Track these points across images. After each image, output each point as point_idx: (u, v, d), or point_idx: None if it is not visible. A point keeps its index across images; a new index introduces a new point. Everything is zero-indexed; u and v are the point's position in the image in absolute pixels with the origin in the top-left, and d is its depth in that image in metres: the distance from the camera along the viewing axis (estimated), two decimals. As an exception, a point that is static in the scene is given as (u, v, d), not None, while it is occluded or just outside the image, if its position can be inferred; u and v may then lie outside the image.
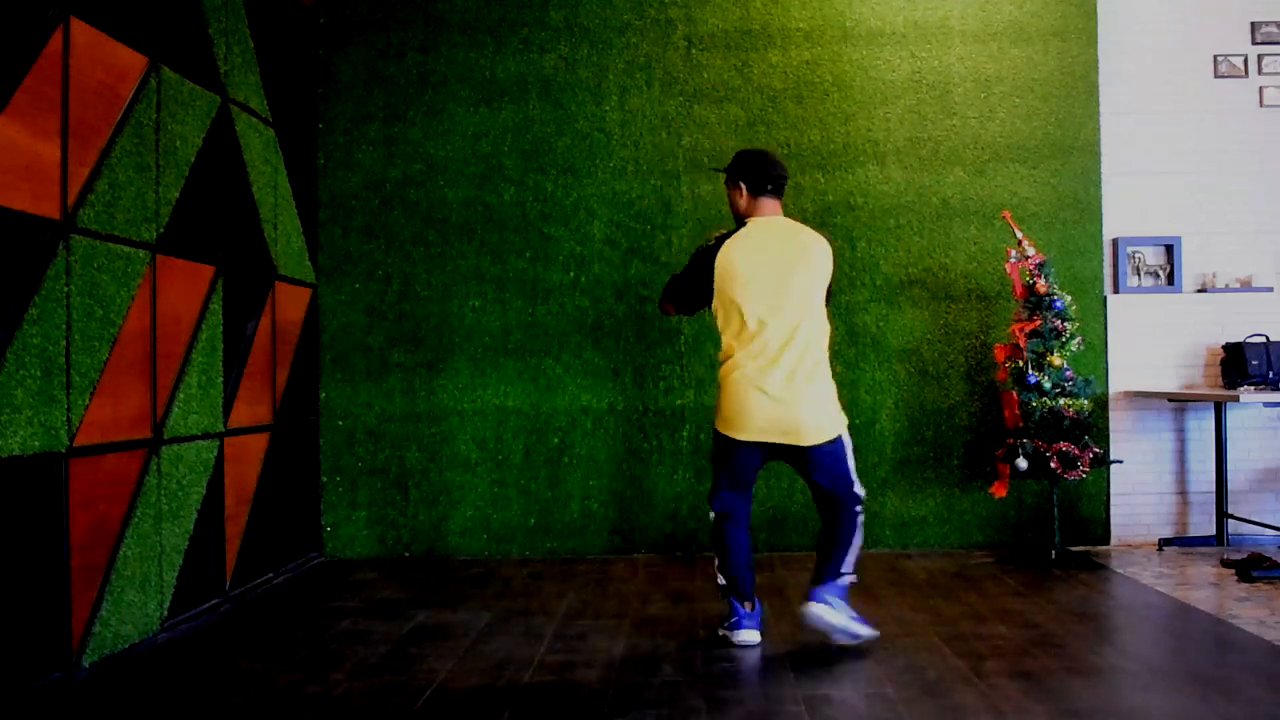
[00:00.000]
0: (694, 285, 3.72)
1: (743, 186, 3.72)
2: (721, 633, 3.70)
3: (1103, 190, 5.47)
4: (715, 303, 3.65)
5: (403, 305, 5.44)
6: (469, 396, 5.41)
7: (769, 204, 3.72)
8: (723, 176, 3.96)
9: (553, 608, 4.20)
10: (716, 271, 3.61)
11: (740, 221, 3.73)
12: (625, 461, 5.38)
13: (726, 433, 3.63)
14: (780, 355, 3.54)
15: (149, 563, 3.72)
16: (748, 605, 3.65)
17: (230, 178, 4.42)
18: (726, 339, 3.65)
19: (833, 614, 3.52)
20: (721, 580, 3.69)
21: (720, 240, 3.68)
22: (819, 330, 3.64)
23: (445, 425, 5.41)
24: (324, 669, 3.37)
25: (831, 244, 3.74)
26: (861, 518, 3.69)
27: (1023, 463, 4.81)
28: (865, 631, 3.57)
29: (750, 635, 3.63)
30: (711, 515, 3.73)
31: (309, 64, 5.39)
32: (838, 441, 3.63)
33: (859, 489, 3.69)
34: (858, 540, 3.67)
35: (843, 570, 3.63)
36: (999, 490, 4.99)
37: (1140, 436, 5.44)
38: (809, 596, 3.57)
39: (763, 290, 3.56)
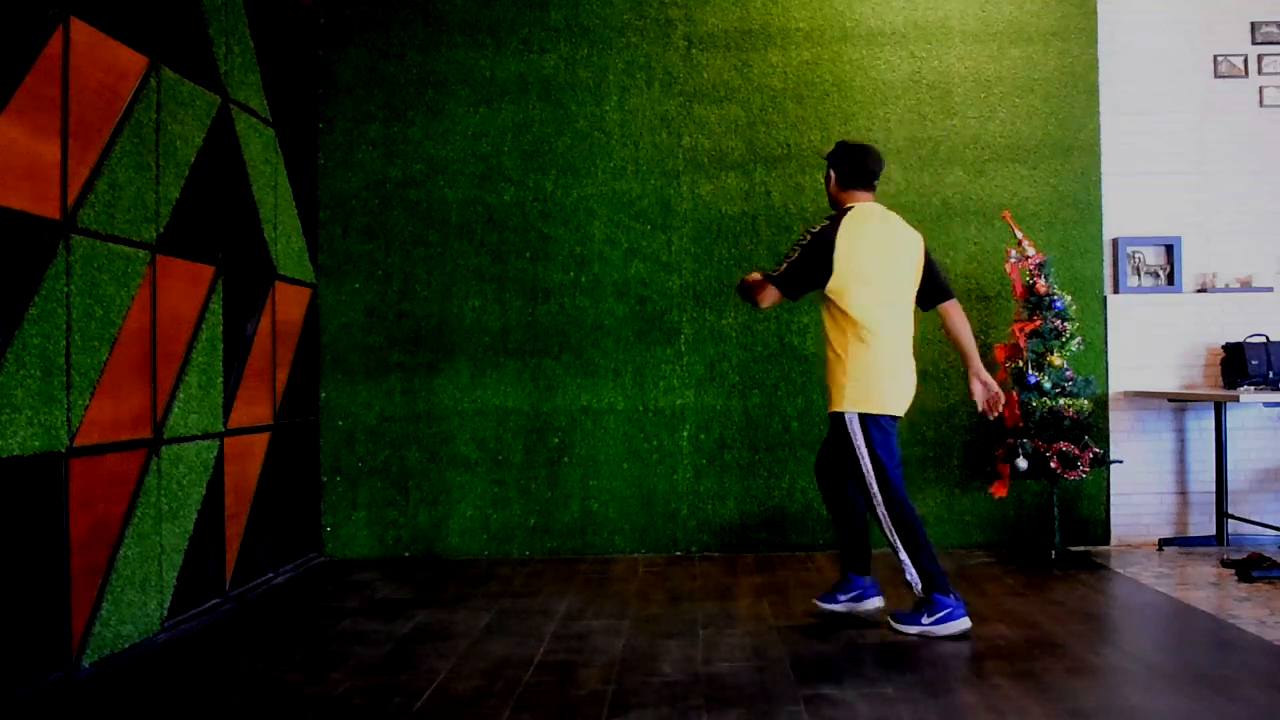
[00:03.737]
0: (808, 266, 3.73)
1: (832, 175, 3.91)
2: (925, 628, 3.62)
3: (1103, 190, 5.47)
4: (835, 283, 3.70)
5: (403, 305, 5.44)
6: (469, 396, 5.41)
7: (865, 195, 3.88)
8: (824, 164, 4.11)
9: (552, 608, 4.20)
10: (838, 251, 3.69)
11: (834, 205, 3.91)
12: (625, 461, 5.38)
13: (882, 411, 3.69)
14: (905, 331, 3.79)
15: (149, 563, 3.72)
16: (953, 595, 3.67)
17: (230, 178, 4.42)
18: (855, 317, 3.69)
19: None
20: (919, 573, 3.64)
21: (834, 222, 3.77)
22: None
23: (445, 425, 5.41)
24: (324, 669, 3.37)
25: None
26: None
27: (1023, 463, 4.81)
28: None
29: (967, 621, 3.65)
30: (895, 502, 3.66)
31: (309, 64, 5.38)
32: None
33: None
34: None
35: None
36: (999, 490, 4.99)
37: (1140, 436, 5.44)
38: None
39: (881, 271, 3.73)
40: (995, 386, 3.83)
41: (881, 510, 3.67)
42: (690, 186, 5.45)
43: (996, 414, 3.86)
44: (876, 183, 3.90)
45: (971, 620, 3.65)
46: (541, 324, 5.42)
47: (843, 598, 3.89)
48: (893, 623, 3.71)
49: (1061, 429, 4.85)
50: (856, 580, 3.89)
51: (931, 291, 3.88)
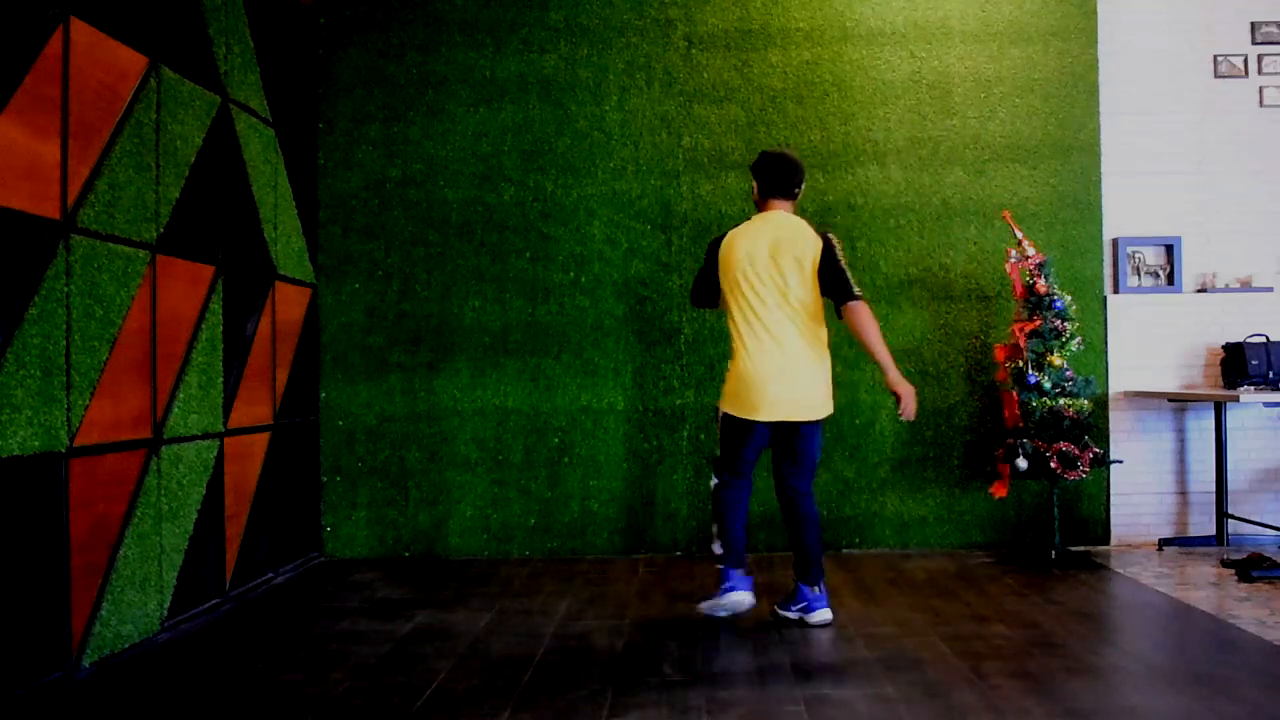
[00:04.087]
0: (703, 275, 4.06)
1: (754, 185, 4.09)
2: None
3: (1103, 190, 5.47)
4: (722, 293, 3.98)
5: (403, 305, 5.44)
6: (469, 396, 5.41)
7: (777, 203, 4.02)
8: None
9: (552, 608, 4.20)
10: (719, 260, 3.97)
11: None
12: (625, 461, 5.38)
13: (735, 413, 3.89)
14: (785, 341, 3.87)
15: (149, 563, 3.72)
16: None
17: (230, 178, 4.42)
18: (730, 327, 3.97)
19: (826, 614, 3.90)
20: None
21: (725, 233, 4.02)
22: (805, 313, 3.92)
23: (445, 425, 5.41)
24: (324, 669, 3.37)
25: (823, 232, 3.97)
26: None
27: (1023, 463, 4.81)
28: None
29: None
30: (718, 488, 3.99)
31: (309, 64, 5.39)
32: (819, 425, 3.96)
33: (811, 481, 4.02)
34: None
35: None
36: (999, 490, 4.99)
37: (1140, 436, 5.44)
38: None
39: (752, 276, 3.88)
40: (910, 394, 3.85)
41: (713, 484, 4.02)
42: (690, 186, 5.45)
43: (910, 418, 3.91)
44: (795, 189, 4.01)
45: (746, 598, 3.83)
46: (541, 324, 5.42)
47: (794, 608, 3.93)
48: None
49: (1061, 429, 4.85)
50: (803, 590, 3.90)
51: (832, 295, 3.89)
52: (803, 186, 4.06)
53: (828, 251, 3.87)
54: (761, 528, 5.35)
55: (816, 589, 3.88)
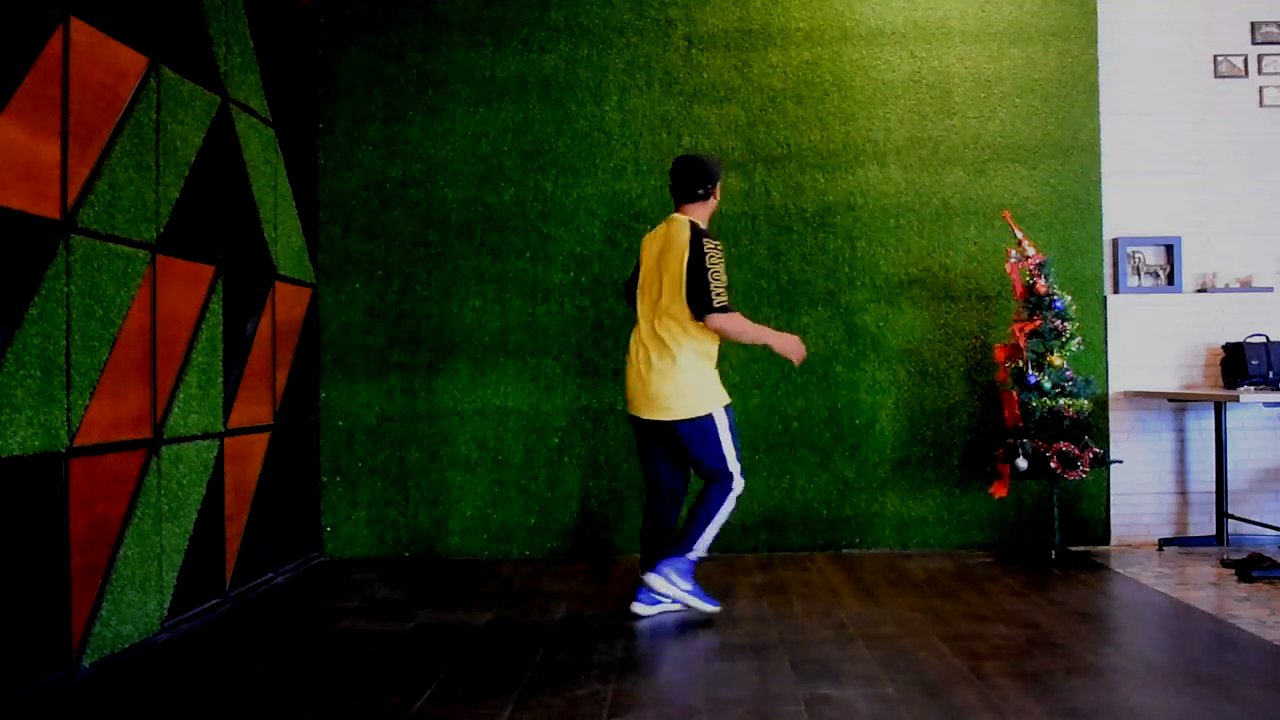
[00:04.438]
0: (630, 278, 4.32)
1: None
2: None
3: (1103, 190, 5.48)
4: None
5: (403, 305, 5.44)
6: (469, 396, 5.41)
7: (680, 207, 4.15)
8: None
9: (552, 608, 4.20)
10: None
11: None
12: (625, 461, 5.37)
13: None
14: (645, 338, 4.04)
15: (149, 563, 3.72)
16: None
17: (230, 178, 4.42)
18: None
19: (666, 584, 3.92)
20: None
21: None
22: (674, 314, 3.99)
23: (445, 425, 5.41)
24: (324, 669, 3.37)
25: (699, 239, 3.98)
26: (727, 497, 4.01)
27: (1023, 463, 4.81)
28: (706, 606, 3.96)
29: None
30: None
31: (309, 64, 5.39)
32: (699, 421, 3.96)
33: (730, 467, 4.00)
34: (714, 518, 3.99)
35: (692, 545, 3.98)
36: (999, 490, 4.99)
37: (1140, 436, 5.44)
38: (652, 568, 3.96)
39: (644, 279, 4.11)
40: (790, 346, 4.06)
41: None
42: (690, 186, 5.44)
43: (801, 361, 4.15)
44: (693, 193, 4.09)
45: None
46: (541, 324, 5.42)
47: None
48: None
49: (1061, 429, 4.85)
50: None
51: (690, 304, 3.92)
52: (708, 189, 4.10)
53: (693, 259, 3.90)
54: (762, 528, 5.35)
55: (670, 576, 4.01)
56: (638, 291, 4.14)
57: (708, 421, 3.96)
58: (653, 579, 3.91)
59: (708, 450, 3.97)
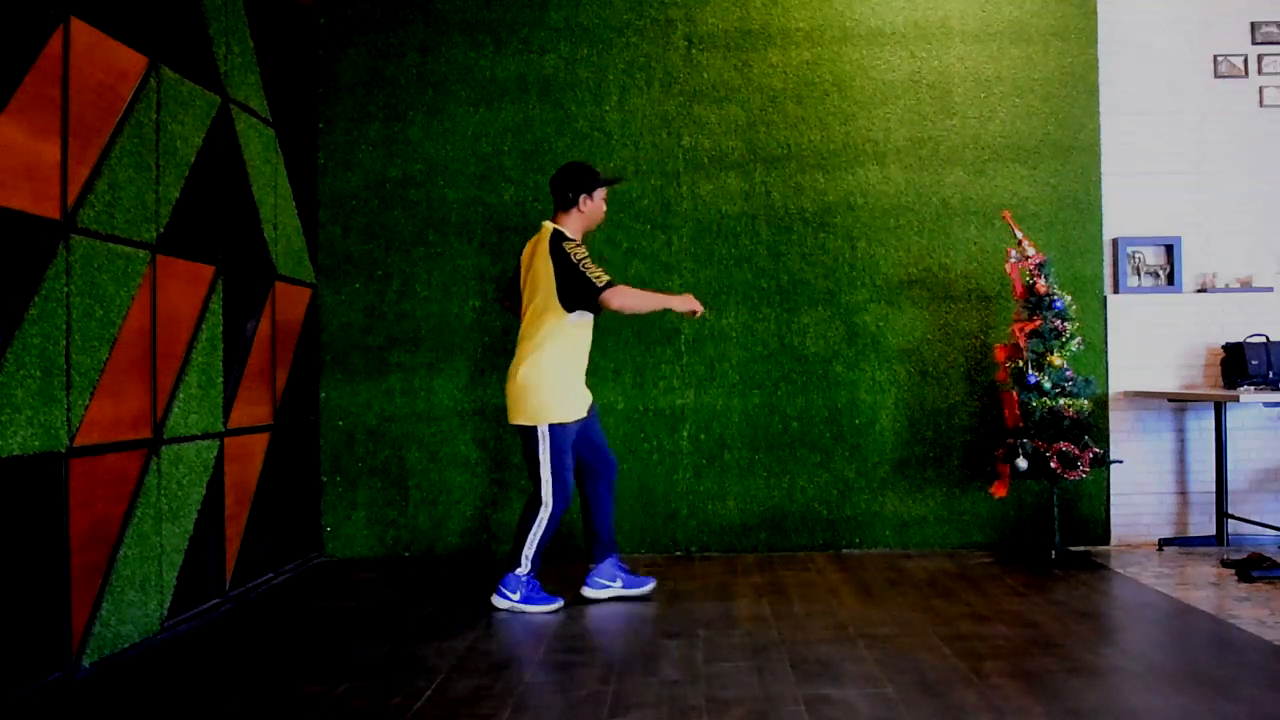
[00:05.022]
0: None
1: None
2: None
3: (1103, 190, 5.48)
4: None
5: (403, 305, 5.44)
6: (469, 396, 5.41)
7: (555, 213, 4.30)
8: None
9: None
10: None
11: None
12: (625, 461, 5.37)
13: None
14: (522, 342, 4.18)
15: (149, 563, 3.72)
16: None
17: (230, 178, 4.42)
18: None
19: (503, 601, 4.12)
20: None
21: None
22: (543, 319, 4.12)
23: (445, 425, 5.41)
24: (324, 669, 3.37)
25: (558, 243, 4.12)
26: (536, 516, 4.12)
27: (1023, 463, 4.81)
28: (546, 607, 4.12)
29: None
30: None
31: (309, 64, 5.39)
32: (530, 430, 4.09)
33: (543, 489, 4.12)
34: (528, 535, 4.13)
35: (517, 562, 4.16)
36: (999, 490, 4.99)
37: (1140, 436, 5.44)
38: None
39: (521, 285, 4.26)
40: (685, 303, 4.22)
41: None
42: (690, 186, 5.45)
43: (699, 315, 4.29)
44: (565, 198, 4.23)
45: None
46: (541, 324, 5.41)
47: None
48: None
49: (1061, 429, 4.85)
50: (507, 579, 4.21)
51: (581, 303, 4.07)
52: (574, 196, 4.20)
53: (558, 264, 4.03)
54: (762, 528, 5.35)
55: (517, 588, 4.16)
56: (521, 299, 4.28)
57: (535, 434, 4.08)
58: (494, 598, 4.15)
59: (531, 461, 4.13)
